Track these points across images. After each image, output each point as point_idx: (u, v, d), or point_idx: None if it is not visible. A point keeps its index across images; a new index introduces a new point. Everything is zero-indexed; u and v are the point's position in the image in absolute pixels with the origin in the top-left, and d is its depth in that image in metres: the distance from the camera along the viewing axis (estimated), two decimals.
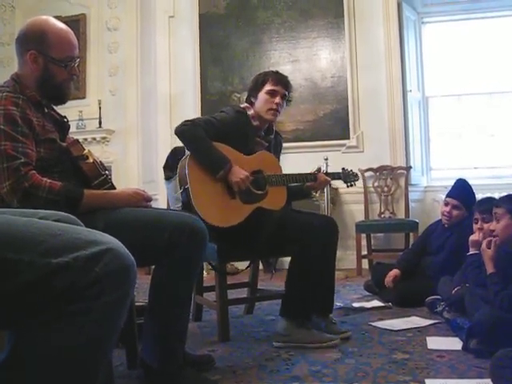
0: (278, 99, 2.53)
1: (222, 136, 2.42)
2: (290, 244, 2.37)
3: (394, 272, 3.26)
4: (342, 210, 5.06)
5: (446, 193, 3.40)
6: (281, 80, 2.56)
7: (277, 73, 2.60)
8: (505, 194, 2.58)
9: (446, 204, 3.27)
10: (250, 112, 2.56)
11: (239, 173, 2.37)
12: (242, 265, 2.97)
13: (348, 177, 2.82)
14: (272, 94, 2.52)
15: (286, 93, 2.57)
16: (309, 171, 2.69)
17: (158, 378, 1.77)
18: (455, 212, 3.22)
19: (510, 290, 2.12)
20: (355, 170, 2.90)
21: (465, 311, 2.42)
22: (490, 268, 2.27)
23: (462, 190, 3.30)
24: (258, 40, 5.32)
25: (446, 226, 3.27)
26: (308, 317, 2.38)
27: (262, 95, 2.53)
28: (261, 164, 2.54)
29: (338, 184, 4.07)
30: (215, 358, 2.06)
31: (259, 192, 2.49)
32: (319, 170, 2.70)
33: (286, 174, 2.57)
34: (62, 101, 1.90)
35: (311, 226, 2.36)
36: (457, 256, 2.93)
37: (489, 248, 2.30)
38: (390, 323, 2.62)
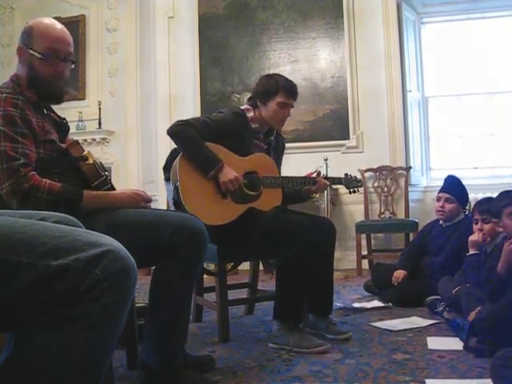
0: (288, 112, 2.55)
1: (217, 136, 2.42)
2: (282, 245, 2.32)
3: (402, 273, 3.24)
4: (342, 210, 5.05)
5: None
6: (292, 92, 2.53)
7: (288, 81, 2.55)
8: None
9: (438, 199, 3.29)
10: (250, 114, 2.54)
11: (229, 173, 2.35)
12: (242, 265, 2.96)
13: (351, 182, 2.76)
14: (283, 106, 2.51)
15: (294, 102, 2.58)
16: (308, 172, 2.68)
17: (159, 379, 1.76)
18: (448, 205, 3.23)
19: None
20: (355, 171, 2.88)
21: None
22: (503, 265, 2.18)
23: (451, 184, 3.33)
24: (257, 40, 5.31)
25: (444, 225, 3.27)
26: (300, 319, 2.36)
27: (273, 106, 2.51)
28: (255, 165, 2.52)
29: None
30: (216, 358, 2.07)
31: (252, 193, 2.48)
32: (319, 174, 2.68)
33: (283, 177, 2.54)
34: (55, 99, 1.86)
35: (303, 226, 2.32)
36: (457, 256, 2.93)
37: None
38: (391, 323, 2.62)
